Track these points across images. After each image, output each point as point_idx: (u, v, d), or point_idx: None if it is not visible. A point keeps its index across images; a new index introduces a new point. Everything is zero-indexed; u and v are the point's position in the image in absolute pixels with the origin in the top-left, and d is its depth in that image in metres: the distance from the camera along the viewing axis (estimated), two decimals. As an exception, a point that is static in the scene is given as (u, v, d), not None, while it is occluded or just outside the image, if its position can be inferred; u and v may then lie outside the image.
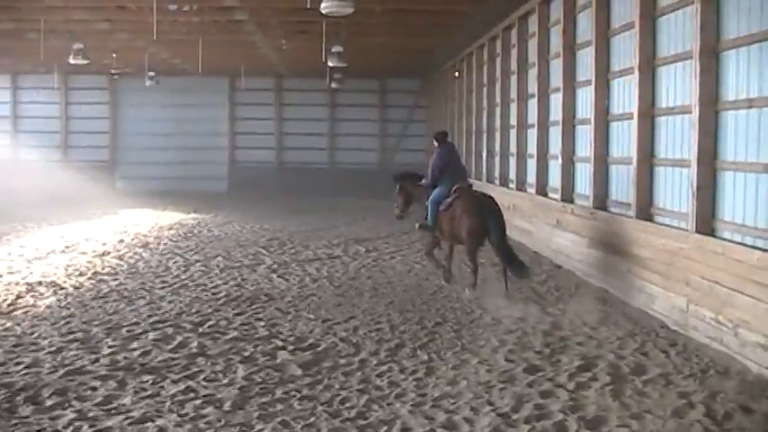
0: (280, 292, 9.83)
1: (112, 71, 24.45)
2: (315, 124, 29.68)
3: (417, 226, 10.75)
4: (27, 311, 8.52)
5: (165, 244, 14.54)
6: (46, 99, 28.59)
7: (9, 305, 8.79)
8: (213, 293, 9.74)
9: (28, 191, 23.47)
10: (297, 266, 11.99)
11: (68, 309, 8.66)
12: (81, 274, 10.94)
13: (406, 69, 27.07)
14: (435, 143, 10.66)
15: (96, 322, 8.02)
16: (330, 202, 23.39)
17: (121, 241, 14.80)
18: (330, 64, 17.92)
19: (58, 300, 9.18)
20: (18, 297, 9.24)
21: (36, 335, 7.44)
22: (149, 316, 8.38)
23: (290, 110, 29.83)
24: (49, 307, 8.76)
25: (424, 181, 10.71)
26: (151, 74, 23.46)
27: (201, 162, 29.53)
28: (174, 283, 10.38)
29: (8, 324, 7.88)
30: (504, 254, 9.47)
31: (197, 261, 12.42)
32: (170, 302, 9.12)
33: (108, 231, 16.41)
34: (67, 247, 13.75)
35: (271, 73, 27.92)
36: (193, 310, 8.69)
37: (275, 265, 12.02)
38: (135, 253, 13.29)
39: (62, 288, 9.87)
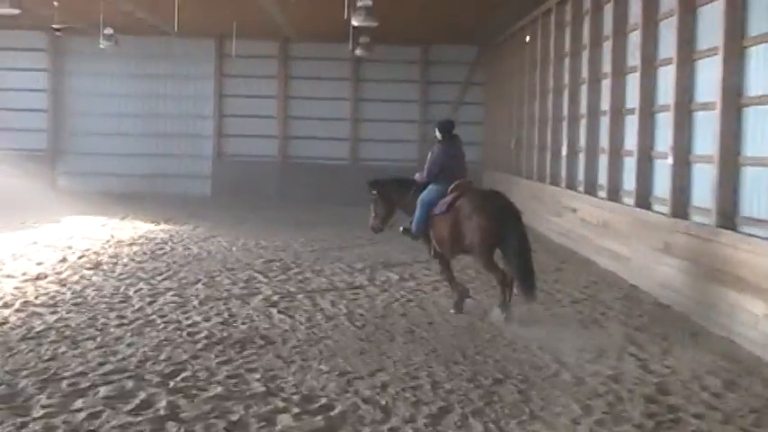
0: (281, 334, 9.87)
1: (55, 26, 24.59)
2: (332, 105, 29.87)
3: (402, 229, 11.84)
4: (-63, 352, 8.65)
5: (125, 265, 14.66)
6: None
7: None
8: (190, 334, 9.79)
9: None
10: (305, 299, 12.03)
11: (-8, 350, 8.79)
12: (6, 306, 11.06)
13: (457, 33, 27.16)
14: (438, 134, 11.60)
15: (25, 372, 8.07)
16: (350, 212, 23.46)
17: (63, 260, 14.94)
18: (354, 23, 17.95)
19: (-20, 338, 9.31)
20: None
21: (-53, 385, 7.55)
22: (101, 364, 8.41)
23: (298, 85, 30.08)
24: (-33, 347, 8.89)
25: (417, 176, 11.81)
26: (108, 31, 23.69)
27: (177, 155, 29.99)
28: (136, 320, 10.44)
29: None
30: (524, 269, 10.36)
31: (168, 289, 12.51)
32: (130, 346, 9.17)
33: (45, 246, 16.60)
34: (-7, 266, 14.00)
35: (273, 34, 28.24)
36: (162, 357, 8.74)
37: (275, 297, 12.08)
38: (82, 277, 13.39)
39: (-15, 322, 10.03)
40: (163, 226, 20.88)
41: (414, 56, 29.74)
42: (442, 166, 11.35)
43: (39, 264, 14.54)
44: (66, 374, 8.01)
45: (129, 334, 9.72)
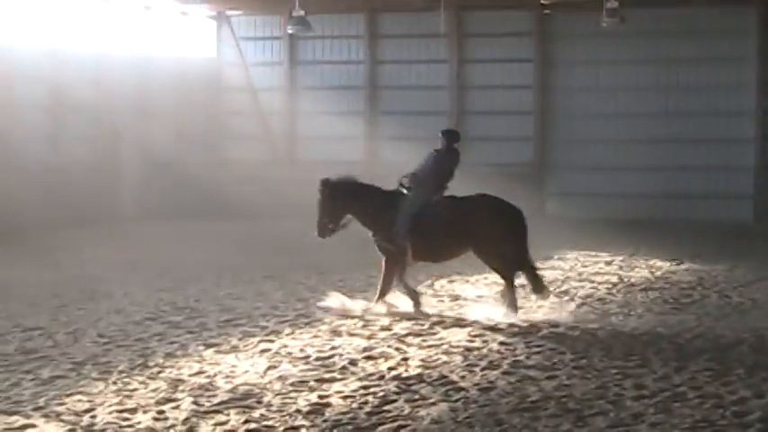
0: None
1: (543, 2, 25.43)
2: None
3: (389, 237, 14.91)
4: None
5: (640, 317, 14.99)
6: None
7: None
8: (735, 414, 9.62)
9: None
10: None
11: None
12: (492, 366, 11.73)
13: None
14: (441, 143, 15.29)
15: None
16: None
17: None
18: None
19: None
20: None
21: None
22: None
23: None
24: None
25: (404, 180, 15.25)
26: (612, 5, 24.13)
27: (705, 168, 29.56)
28: (661, 391, 10.47)
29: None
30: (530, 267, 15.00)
31: (700, 352, 12.48)
32: (652, 426, 9.24)
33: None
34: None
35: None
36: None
37: None
38: (584, 332, 13.83)
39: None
40: (688, 265, 20.81)
41: None
42: (439, 174, 15.09)
43: (527, 313, 15.22)
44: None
45: (651, 410, 9.78)
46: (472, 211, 14.90)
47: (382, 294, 15.13)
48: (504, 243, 14.85)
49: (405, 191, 15.20)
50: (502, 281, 15.12)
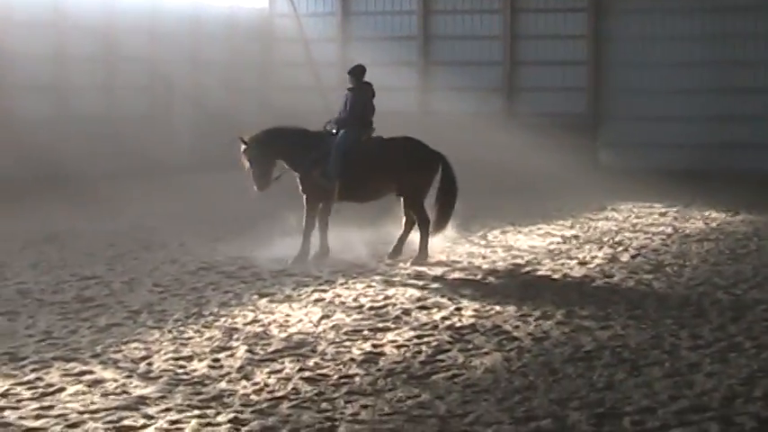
0: None
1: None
2: None
3: (321, 176, 15.24)
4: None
5: (696, 268, 14.98)
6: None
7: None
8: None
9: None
10: None
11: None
12: (546, 317, 11.73)
13: None
14: (351, 82, 15.73)
15: (575, 402, 8.53)
16: None
17: (613, 260, 15.65)
18: None
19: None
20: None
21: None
22: (672, 398, 8.59)
23: None
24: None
25: (328, 125, 15.72)
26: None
27: (759, 118, 29.20)
28: (717, 341, 10.48)
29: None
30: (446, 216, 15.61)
31: (756, 302, 12.47)
32: (710, 376, 9.22)
33: (587, 243, 17.50)
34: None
35: None
36: (756, 394, 8.66)
37: None
38: (639, 282, 13.84)
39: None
40: (744, 216, 20.79)
41: None
42: (364, 108, 15.53)
43: (581, 264, 15.29)
44: (629, 409, 8.27)
45: (707, 360, 9.78)
46: (397, 152, 15.47)
47: (306, 237, 15.35)
48: (423, 187, 15.51)
49: (332, 131, 15.60)
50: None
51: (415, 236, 15.58)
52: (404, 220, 15.64)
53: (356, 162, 15.26)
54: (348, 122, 15.49)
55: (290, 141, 15.54)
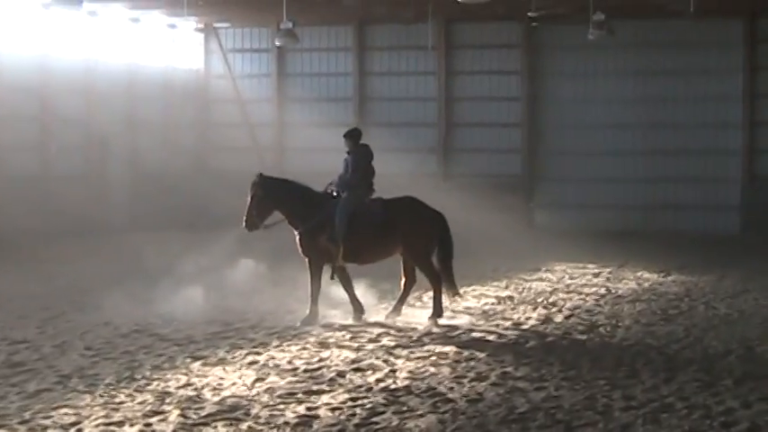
0: None
1: (531, 14, 25.42)
2: None
3: (327, 239, 15.22)
4: None
5: (628, 329, 14.99)
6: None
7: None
8: (723, 425, 9.66)
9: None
10: None
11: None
12: (480, 378, 11.67)
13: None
14: (348, 145, 15.69)
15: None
16: None
17: (546, 321, 15.67)
18: None
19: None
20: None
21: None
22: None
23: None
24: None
25: (330, 187, 15.68)
26: (599, 17, 24.24)
27: (692, 179, 29.66)
28: (649, 402, 10.46)
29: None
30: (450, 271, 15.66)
31: (688, 362, 12.46)
32: (643, 437, 9.24)
33: (521, 303, 17.50)
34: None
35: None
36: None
37: None
38: (573, 342, 13.80)
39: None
40: (675, 276, 20.86)
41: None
42: (365, 171, 15.56)
43: (515, 325, 15.30)
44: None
45: (640, 421, 9.79)
46: (401, 212, 15.56)
47: (314, 298, 15.33)
48: (431, 245, 15.62)
49: (334, 193, 15.62)
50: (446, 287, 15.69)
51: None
52: (403, 280, 15.73)
53: (361, 224, 15.33)
54: (351, 184, 15.51)
55: (296, 197, 15.62)
